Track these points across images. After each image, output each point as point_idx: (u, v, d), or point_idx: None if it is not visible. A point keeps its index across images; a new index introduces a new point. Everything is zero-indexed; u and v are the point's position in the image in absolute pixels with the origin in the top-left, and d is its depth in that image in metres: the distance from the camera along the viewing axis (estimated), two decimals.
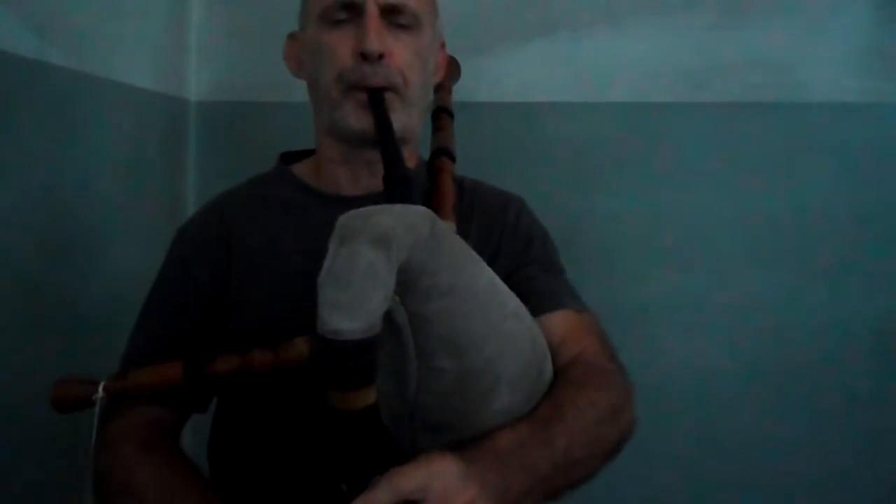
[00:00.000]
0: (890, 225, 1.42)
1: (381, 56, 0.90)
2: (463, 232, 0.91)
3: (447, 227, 0.73)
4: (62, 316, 1.23)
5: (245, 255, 0.95)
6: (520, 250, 0.97)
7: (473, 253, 0.76)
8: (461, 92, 1.11)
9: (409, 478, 0.65)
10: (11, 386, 1.12)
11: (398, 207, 0.68)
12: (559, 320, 0.91)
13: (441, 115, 1.04)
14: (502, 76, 1.49)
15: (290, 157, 1.06)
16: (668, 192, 1.48)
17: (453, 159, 0.99)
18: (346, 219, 0.65)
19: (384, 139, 0.87)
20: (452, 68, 1.11)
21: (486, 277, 0.76)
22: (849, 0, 1.43)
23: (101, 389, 0.82)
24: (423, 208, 0.70)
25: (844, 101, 1.43)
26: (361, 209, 0.66)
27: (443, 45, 1.05)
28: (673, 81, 1.47)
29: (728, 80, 1.46)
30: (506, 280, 0.81)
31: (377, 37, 0.90)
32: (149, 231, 1.44)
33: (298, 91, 1.02)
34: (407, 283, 0.66)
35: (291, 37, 1.02)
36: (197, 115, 1.61)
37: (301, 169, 1.03)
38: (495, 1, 1.51)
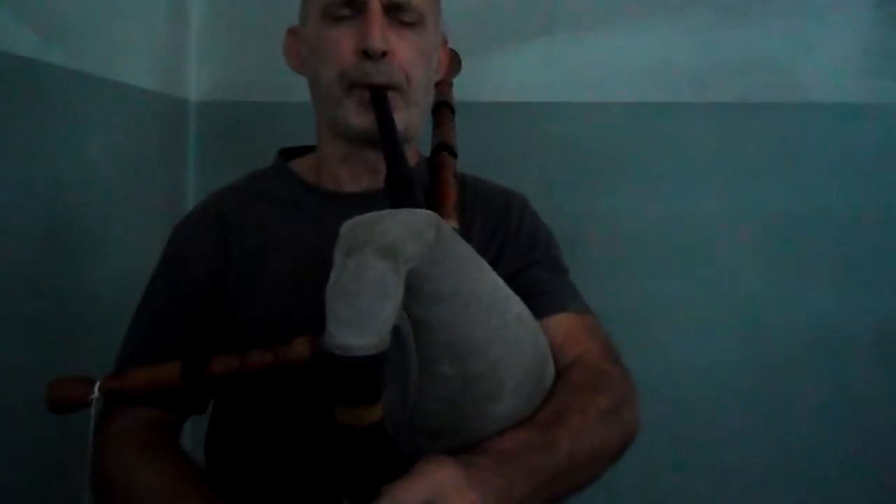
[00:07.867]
0: (890, 225, 1.42)
1: (384, 54, 0.89)
2: (465, 231, 0.90)
3: (451, 231, 0.72)
4: (62, 315, 1.23)
5: (244, 252, 0.94)
6: (523, 251, 0.96)
7: (477, 256, 0.75)
8: (461, 92, 1.10)
9: (412, 493, 0.63)
10: (11, 386, 1.11)
11: (403, 213, 0.66)
12: (560, 322, 0.90)
13: (442, 109, 1.02)
14: (503, 76, 1.49)
15: (289, 154, 1.04)
16: (668, 192, 1.48)
17: (455, 155, 0.98)
18: (350, 228, 0.63)
19: (386, 138, 0.85)
20: (453, 62, 1.09)
21: (490, 281, 0.75)
22: (848, 0, 1.43)
23: (96, 389, 0.80)
24: (428, 212, 0.69)
25: (845, 101, 1.43)
26: (365, 216, 0.64)
27: (445, 43, 1.04)
28: (673, 81, 1.47)
29: (728, 80, 1.45)
30: (508, 281, 0.80)
31: (380, 34, 0.88)
32: (149, 231, 1.43)
33: (298, 91, 1.02)
34: (409, 288, 0.64)
35: (291, 32, 1.00)
36: (197, 114, 1.60)
37: (301, 165, 1.01)
38: (495, 1, 1.51)
